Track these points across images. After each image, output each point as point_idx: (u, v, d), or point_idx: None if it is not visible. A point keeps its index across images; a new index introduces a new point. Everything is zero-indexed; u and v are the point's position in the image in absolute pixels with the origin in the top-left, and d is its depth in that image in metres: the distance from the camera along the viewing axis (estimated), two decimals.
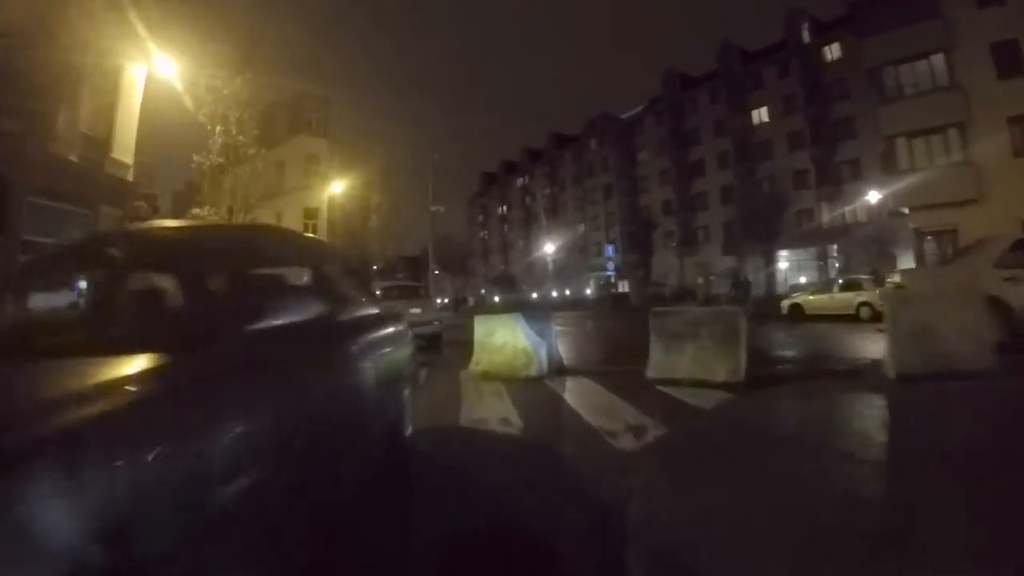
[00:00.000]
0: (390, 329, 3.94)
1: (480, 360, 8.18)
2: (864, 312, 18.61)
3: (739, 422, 4.91)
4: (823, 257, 39.20)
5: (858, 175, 37.00)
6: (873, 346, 10.78)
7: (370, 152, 40.37)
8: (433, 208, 30.28)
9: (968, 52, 21.20)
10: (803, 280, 37.53)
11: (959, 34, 21.41)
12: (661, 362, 6.99)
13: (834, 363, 8.53)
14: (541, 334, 7.88)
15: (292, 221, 37.13)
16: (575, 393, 6.60)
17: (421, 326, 13.70)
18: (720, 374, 6.56)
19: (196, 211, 23.66)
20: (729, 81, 46.64)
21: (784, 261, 40.57)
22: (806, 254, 40.01)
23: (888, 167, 25.08)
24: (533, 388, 7.05)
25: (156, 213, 24.20)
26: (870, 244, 32.73)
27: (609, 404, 5.87)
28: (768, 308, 23.20)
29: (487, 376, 7.83)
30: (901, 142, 23.38)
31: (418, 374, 4.91)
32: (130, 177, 15.67)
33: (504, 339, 7.93)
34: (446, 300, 55.71)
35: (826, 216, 39.20)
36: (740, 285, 26.28)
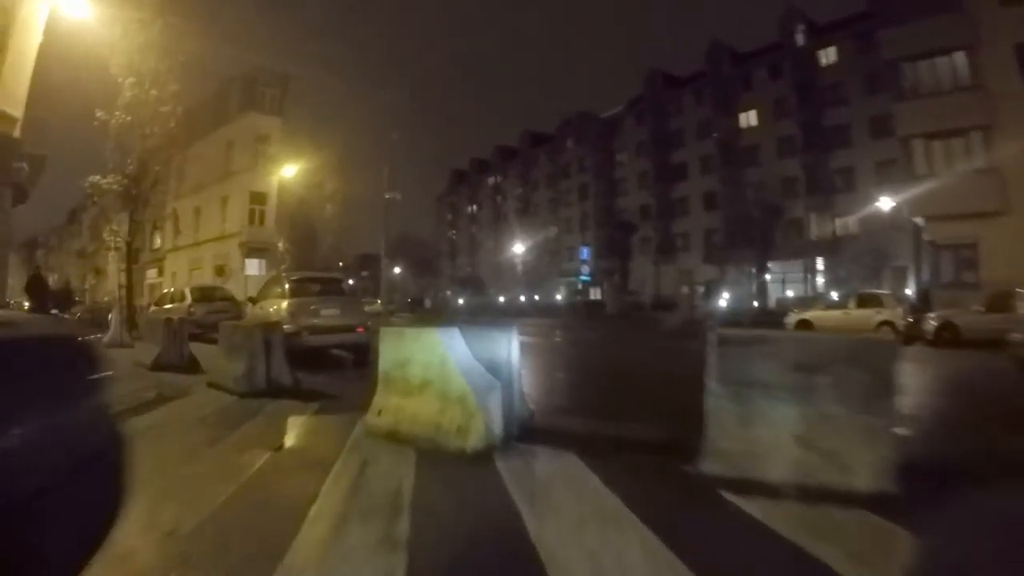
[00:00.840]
0: None
1: (386, 407, 4.60)
2: (884, 333, 15.91)
3: None
4: (811, 270, 36.59)
5: (851, 185, 34.57)
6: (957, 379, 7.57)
7: (330, 138, 36.71)
8: (389, 195, 26.46)
9: (992, 52, 19.11)
10: (790, 294, 34.90)
11: (983, 32, 19.30)
12: (734, 440, 3.48)
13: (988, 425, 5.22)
14: (494, 367, 4.36)
15: (238, 205, 33.42)
16: (559, 519, 3.02)
17: (337, 333, 10.09)
18: (860, 472, 3.12)
19: (94, 178, 19.76)
20: (716, 82, 43.88)
21: (767, 274, 37.94)
22: (792, 267, 37.31)
23: (901, 171, 22.56)
24: (469, 488, 3.50)
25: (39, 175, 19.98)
26: (864, 257, 30.22)
27: None
28: (766, 324, 20.18)
29: (394, 438, 4.33)
30: (918, 144, 21.12)
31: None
32: (16, 133, 13.11)
33: (426, 374, 4.35)
34: (408, 300, 51.90)
35: (816, 227, 36.63)
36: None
